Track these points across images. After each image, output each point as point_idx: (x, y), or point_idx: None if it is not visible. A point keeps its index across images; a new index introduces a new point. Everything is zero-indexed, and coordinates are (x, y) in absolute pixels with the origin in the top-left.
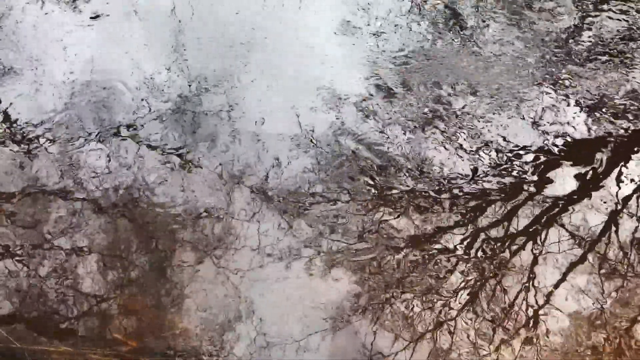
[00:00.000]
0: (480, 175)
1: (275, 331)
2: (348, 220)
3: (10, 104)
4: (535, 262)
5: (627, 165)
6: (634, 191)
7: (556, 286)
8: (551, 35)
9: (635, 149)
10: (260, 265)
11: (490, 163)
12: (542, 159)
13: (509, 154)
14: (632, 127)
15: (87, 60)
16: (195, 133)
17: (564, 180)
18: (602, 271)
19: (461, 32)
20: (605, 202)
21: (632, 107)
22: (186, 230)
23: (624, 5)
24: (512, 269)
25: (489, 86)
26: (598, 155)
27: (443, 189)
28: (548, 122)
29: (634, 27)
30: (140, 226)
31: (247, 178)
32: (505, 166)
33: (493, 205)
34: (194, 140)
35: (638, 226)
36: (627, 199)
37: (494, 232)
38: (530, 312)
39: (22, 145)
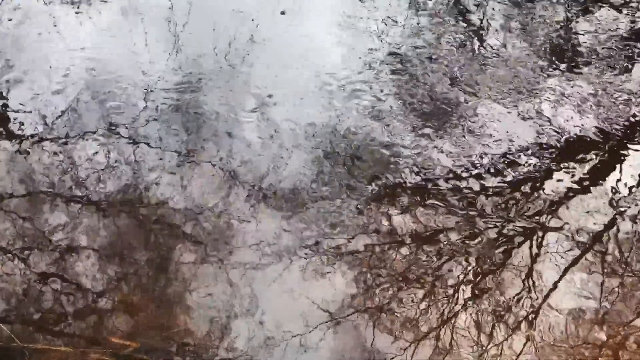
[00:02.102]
0: (479, 176)
1: (276, 329)
2: (349, 217)
3: (8, 102)
4: (534, 262)
5: (625, 165)
6: (632, 190)
7: (556, 285)
8: (551, 34)
9: (633, 149)
10: (260, 262)
11: (489, 163)
12: (541, 159)
13: (509, 153)
14: (629, 127)
15: (86, 59)
16: (194, 131)
17: (563, 180)
18: (604, 271)
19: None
20: (603, 202)
21: (630, 107)
22: (186, 228)
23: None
24: (511, 268)
25: (488, 84)
26: (596, 155)
27: (442, 188)
28: (547, 122)
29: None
30: (140, 224)
31: (247, 175)
32: (504, 166)
33: (492, 206)
34: (193, 139)
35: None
36: (625, 198)
37: (492, 233)
38: (531, 310)
39: (20, 145)
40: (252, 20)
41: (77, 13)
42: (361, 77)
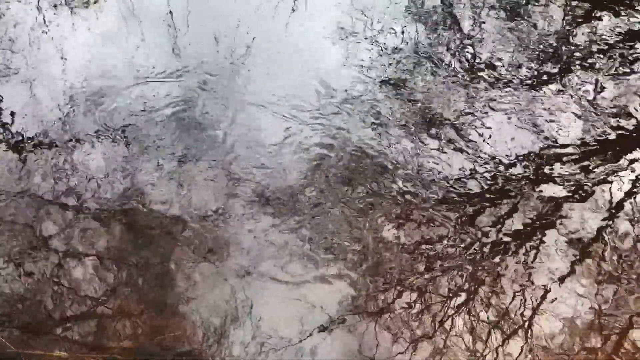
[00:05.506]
0: (477, 178)
1: (273, 333)
2: (346, 220)
3: (6, 105)
4: (533, 263)
5: (624, 165)
6: (630, 193)
7: (556, 287)
8: (546, 38)
9: (632, 150)
10: (257, 266)
11: (487, 166)
12: (539, 161)
13: (506, 157)
14: (628, 129)
15: (85, 60)
16: (192, 137)
17: (564, 180)
18: (601, 274)
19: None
20: (602, 204)
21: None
22: (183, 233)
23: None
24: (509, 271)
25: (486, 89)
26: (595, 157)
27: (440, 190)
28: (545, 124)
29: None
30: (137, 229)
31: (244, 180)
32: (503, 169)
33: (490, 208)
34: (191, 144)
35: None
36: (623, 200)
37: (491, 235)
38: (527, 316)
39: (18, 147)
40: (251, 26)
41: (75, 18)
42: (361, 81)
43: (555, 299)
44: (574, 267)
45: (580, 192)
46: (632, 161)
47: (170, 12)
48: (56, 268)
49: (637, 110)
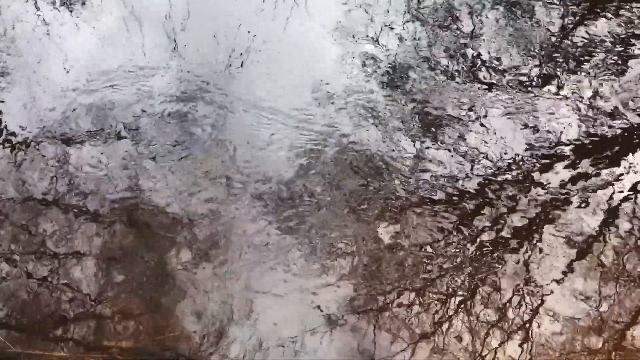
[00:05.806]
0: (475, 179)
1: (272, 333)
2: (344, 221)
3: (6, 106)
4: (533, 263)
5: (622, 166)
6: (629, 193)
7: (555, 288)
8: (545, 39)
9: (631, 151)
10: (256, 267)
11: (484, 167)
12: (538, 162)
13: (504, 158)
14: (628, 128)
15: (83, 60)
16: (192, 138)
17: (561, 182)
18: (601, 274)
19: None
20: (601, 204)
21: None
22: (181, 232)
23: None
24: (508, 272)
25: (482, 87)
26: (593, 158)
27: (438, 191)
28: (542, 125)
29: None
30: (136, 229)
31: (243, 180)
32: (501, 169)
33: (488, 209)
34: (189, 141)
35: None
36: (621, 200)
37: (490, 235)
38: (527, 315)
39: (18, 148)
40: (250, 26)
41: (74, 18)
42: (360, 81)
43: (555, 298)
44: (573, 267)
45: (579, 192)
46: (630, 162)
47: (170, 12)
48: (56, 268)
49: (634, 111)
